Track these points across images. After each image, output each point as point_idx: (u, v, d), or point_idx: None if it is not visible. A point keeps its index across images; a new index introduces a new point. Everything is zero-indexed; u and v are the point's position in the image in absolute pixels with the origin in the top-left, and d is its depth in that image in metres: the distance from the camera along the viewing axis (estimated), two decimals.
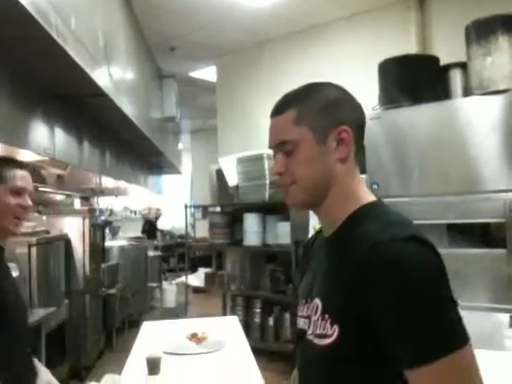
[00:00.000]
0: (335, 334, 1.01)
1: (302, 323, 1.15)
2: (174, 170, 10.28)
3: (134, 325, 6.04)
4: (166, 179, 12.23)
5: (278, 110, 1.12)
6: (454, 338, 0.93)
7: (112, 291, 5.72)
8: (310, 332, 1.10)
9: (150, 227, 10.63)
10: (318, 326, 1.07)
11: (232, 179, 5.39)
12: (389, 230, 1.00)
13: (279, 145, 1.12)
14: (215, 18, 5.35)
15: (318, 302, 1.09)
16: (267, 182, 4.98)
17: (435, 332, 0.92)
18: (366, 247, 0.97)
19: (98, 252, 5.38)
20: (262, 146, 5.33)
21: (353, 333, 0.99)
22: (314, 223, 4.36)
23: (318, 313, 1.08)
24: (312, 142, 1.08)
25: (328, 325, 1.03)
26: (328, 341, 1.03)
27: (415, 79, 3.77)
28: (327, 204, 1.11)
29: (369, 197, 1.13)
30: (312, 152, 1.08)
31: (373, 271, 0.95)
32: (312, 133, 1.08)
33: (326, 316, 1.04)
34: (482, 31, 3.42)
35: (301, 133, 1.09)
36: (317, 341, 1.06)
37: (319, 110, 1.10)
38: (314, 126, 1.08)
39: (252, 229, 5.15)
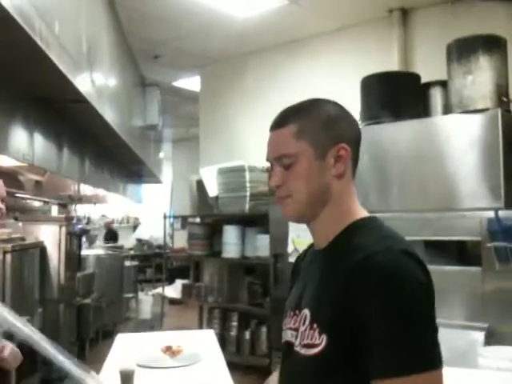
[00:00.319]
0: (323, 344, 1.01)
1: (289, 335, 1.15)
2: (154, 179, 10.22)
3: (108, 336, 5.96)
4: (146, 188, 12.16)
5: (279, 123, 1.15)
6: (428, 359, 0.94)
7: (87, 301, 5.64)
8: (297, 343, 1.10)
9: (111, 236, 10.55)
10: (305, 337, 1.07)
11: (212, 190, 5.37)
12: (383, 243, 1.03)
13: (278, 158, 1.13)
14: (201, 27, 5.35)
15: (306, 312, 1.09)
16: (247, 193, 4.97)
17: (410, 348, 0.93)
18: (359, 258, 0.99)
19: (73, 260, 5.30)
20: (243, 158, 5.33)
21: (341, 342, 1.00)
22: (293, 236, 4.36)
23: (307, 323, 1.08)
24: (311, 157, 1.10)
25: (316, 334, 1.03)
26: (315, 350, 1.03)
27: (397, 96, 3.80)
28: (322, 219, 1.14)
29: (363, 212, 1.15)
30: (310, 167, 1.10)
31: (365, 280, 0.97)
32: (312, 148, 1.10)
33: (315, 325, 1.05)
34: (463, 50, 3.47)
35: (301, 147, 1.11)
36: (304, 351, 1.06)
37: (320, 126, 1.12)
38: (315, 142, 1.11)
39: (231, 240, 5.13)
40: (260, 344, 5.00)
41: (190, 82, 7.36)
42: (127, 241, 11.34)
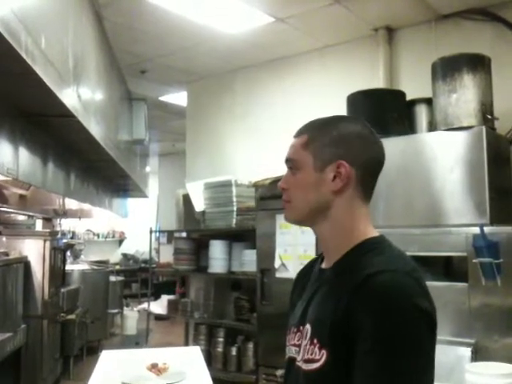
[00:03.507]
0: (323, 359, 1.02)
1: (292, 352, 1.16)
2: (140, 193, 10.16)
3: (92, 352, 5.89)
4: (132, 202, 12.09)
5: (297, 132, 1.22)
6: None
7: (71, 317, 5.57)
8: (299, 359, 1.11)
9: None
10: (306, 351, 1.08)
11: (199, 205, 5.36)
12: (388, 263, 1.04)
13: (287, 161, 1.21)
14: (188, 43, 5.37)
15: (308, 327, 1.11)
16: (234, 208, 4.96)
17: (392, 373, 0.92)
18: (364, 275, 1.01)
19: (58, 276, 5.25)
20: (229, 173, 5.33)
21: (340, 357, 1.00)
22: (280, 251, 4.36)
23: (307, 338, 1.09)
24: (311, 167, 1.15)
25: (316, 349, 1.05)
26: (316, 365, 1.04)
27: (382, 113, 3.84)
28: (325, 234, 1.18)
29: (371, 232, 1.16)
30: (309, 176, 1.15)
31: (364, 297, 0.98)
32: (314, 159, 1.15)
33: (315, 340, 1.06)
34: (448, 69, 3.51)
35: (304, 156, 1.16)
36: (305, 366, 1.07)
37: (327, 141, 1.16)
38: (318, 154, 1.15)
39: (218, 256, 5.12)
40: (247, 360, 4.96)
41: (177, 97, 7.37)
42: (112, 255, 11.25)
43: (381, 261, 1.05)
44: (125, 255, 11.46)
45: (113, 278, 7.87)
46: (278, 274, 4.41)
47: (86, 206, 7.42)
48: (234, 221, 4.96)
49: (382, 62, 4.74)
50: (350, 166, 1.13)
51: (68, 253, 6.90)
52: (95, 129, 4.83)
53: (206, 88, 6.43)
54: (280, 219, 4.32)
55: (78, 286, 6.17)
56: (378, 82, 4.64)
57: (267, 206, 4.50)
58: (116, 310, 7.77)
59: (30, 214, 6.54)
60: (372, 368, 0.93)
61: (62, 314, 5.35)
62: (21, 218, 6.54)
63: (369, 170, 1.18)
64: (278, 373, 4.18)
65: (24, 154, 4.14)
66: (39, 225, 6.98)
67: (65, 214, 6.88)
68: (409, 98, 3.96)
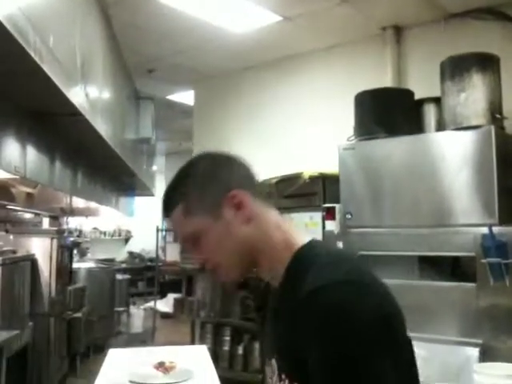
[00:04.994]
0: None
1: None
2: (146, 191, 10.18)
3: (99, 350, 5.90)
4: (139, 201, 12.11)
5: (165, 211, 1.10)
6: None
7: (78, 315, 5.59)
8: None
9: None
10: None
11: None
12: (323, 274, 0.92)
13: (184, 241, 1.10)
14: (196, 42, 5.37)
15: (274, 361, 1.03)
16: None
17: None
18: (299, 299, 0.91)
19: (64, 274, 5.26)
20: None
21: None
22: None
23: (275, 374, 1.02)
24: (209, 223, 1.05)
25: None
26: None
27: (390, 112, 3.83)
28: (263, 264, 1.08)
29: (297, 239, 1.06)
30: (215, 233, 1.05)
31: (305, 319, 0.88)
32: (205, 216, 1.05)
33: (283, 376, 0.98)
34: (457, 68, 3.50)
35: (194, 223, 1.05)
36: None
37: (199, 191, 1.06)
38: (203, 209, 1.05)
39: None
40: (253, 359, 4.95)
41: (185, 96, 7.37)
42: (119, 254, 11.28)
43: (317, 273, 0.93)
44: (131, 254, 11.48)
45: (119, 277, 7.88)
46: None
47: (93, 205, 7.44)
48: None
49: (390, 62, 4.72)
50: (238, 189, 1.05)
51: (75, 251, 6.93)
52: (102, 127, 4.84)
53: (213, 87, 6.43)
54: (286, 218, 4.31)
55: (85, 284, 6.18)
56: (385, 81, 4.62)
57: (273, 205, 4.50)
58: (122, 308, 7.78)
59: (37, 212, 6.56)
60: None
61: (69, 312, 5.36)
62: (28, 216, 6.56)
63: (252, 182, 1.11)
64: None
65: (31, 152, 4.15)
66: (46, 223, 7.00)
67: (72, 212, 6.89)
68: (417, 97, 3.95)
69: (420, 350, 2.80)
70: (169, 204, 1.10)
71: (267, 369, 1.09)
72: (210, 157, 1.14)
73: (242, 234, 1.04)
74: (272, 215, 1.10)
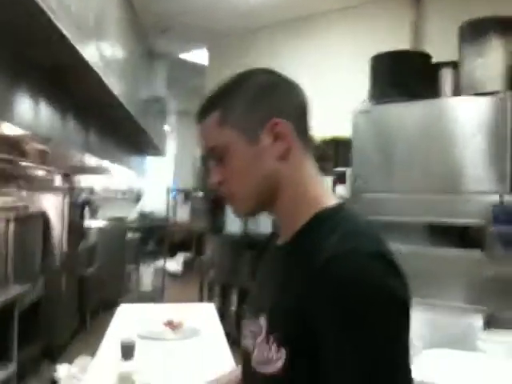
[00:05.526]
0: (281, 360, 0.86)
1: (247, 344, 0.99)
2: (158, 151, 10.20)
3: (108, 307, 6.00)
4: (150, 161, 12.13)
5: (201, 114, 0.99)
6: None
7: (89, 271, 5.67)
8: (253, 357, 0.94)
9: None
10: (262, 351, 0.91)
11: None
12: (348, 242, 0.85)
13: (209, 153, 0.99)
14: (209, 1, 5.28)
15: (263, 320, 0.93)
16: None
17: (367, 366, 0.78)
18: (321, 260, 0.83)
19: (76, 231, 5.32)
20: None
21: (302, 358, 0.85)
22: None
23: (263, 334, 0.92)
24: (242, 143, 0.94)
25: (274, 348, 0.88)
26: (273, 368, 0.88)
27: (406, 75, 3.76)
28: (279, 207, 0.98)
29: (328, 199, 0.97)
30: (244, 156, 0.95)
31: (324, 290, 0.81)
32: (241, 133, 0.94)
33: (272, 338, 0.89)
34: (476, 31, 3.42)
35: (227, 135, 0.95)
36: (260, 368, 0.91)
37: (246, 105, 0.96)
38: (242, 125, 0.95)
39: (233, 216, 5.13)
40: None
41: (198, 55, 7.30)
42: (129, 213, 11.37)
43: (342, 239, 0.85)
44: (141, 213, 11.56)
45: (130, 235, 7.96)
46: None
47: (105, 163, 7.47)
48: None
49: (408, 23, 4.63)
50: (286, 120, 0.94)
51: (86, 209, 6.99)
52: (114, 84, 4.82)
53: (226, 47, 6.35)
54: None
55: (96, 242, 6.26)
56: (403, 43, 4.52)
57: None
58: (132, 267, 7.90)
59: (49, 169, 6.61)
60: (343, 365, 0.79)
61: (80, 269, 5.45)
62: (40, 173, 6.61)
63: (301, 118, 0.99)
64: None
65: (44, 108, 4.16)
66: (58, 180, 7.05)
67: (84, 170, 6.93)
68: (434, 60, 3.87)
69: (426, 315, 2.83)
70: (207, 107, 0.99)
71: (248, 323, 1.01)
72: (268, 73, 1.01)
73: (271, 167, 0.94)
74: (310, 163, 0.99)
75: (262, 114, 0.95)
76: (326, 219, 0.92)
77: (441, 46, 4.14)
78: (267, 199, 0.97)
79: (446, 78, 3.72)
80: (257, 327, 0.95)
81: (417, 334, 2.35)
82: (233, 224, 5.14)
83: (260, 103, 0.96)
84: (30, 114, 3.86)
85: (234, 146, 0.95)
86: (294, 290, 0.88)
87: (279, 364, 0.86)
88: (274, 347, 0.88)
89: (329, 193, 1.00)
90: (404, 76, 3.75)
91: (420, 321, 2.77)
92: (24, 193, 4.84)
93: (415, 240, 3.42)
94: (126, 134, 7.90)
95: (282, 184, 0.95)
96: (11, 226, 3.99)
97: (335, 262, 0.81)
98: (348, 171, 3.83)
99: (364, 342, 0.78)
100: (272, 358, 0.88)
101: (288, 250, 0.97)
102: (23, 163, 5.47)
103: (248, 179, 0.96)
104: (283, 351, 0.86)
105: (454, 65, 3.67)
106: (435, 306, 3.12)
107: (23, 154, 5.23)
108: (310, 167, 0.99)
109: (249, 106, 0.96)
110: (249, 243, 5.41)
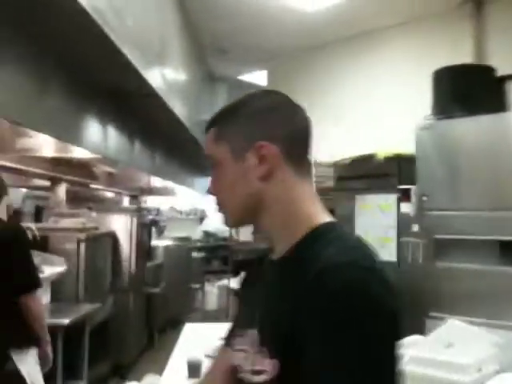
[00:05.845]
0: (273, 370, 0.89)
1: (237, 359, 1.01)
2: None
3: (175, 325, 6.10)
4: None
5: (206, 127, 1.07)
6: None
7: (155, 290, 5.79)
8: (245, 368, 0.97)
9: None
10: (254, 361, 0.94)
11: None
12: (346, 255, 0.87)
13: (208, 160, 1.06)
14: (267, 21, 5.35)
15: (255, 332, 0.97)
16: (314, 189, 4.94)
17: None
18: (315, 271, 0.85)
19: (143, 250, 5.46)
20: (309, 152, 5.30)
21: (293, 368, 0.85)
22: (360, 233, 4.28)
23: (256, 345, 0.95)
24: (231, 160, 1.00)
25: (264, 358, 0.91)
26: (265, 377, 0.90)
27: (470, 90, 3.67)
28: (268, 223, 1.02)
29: (322, 217, 1.00)
30: (232, 172, 1.00)
31: (317, 298, 0.82)
32: (230, 150, 1.00)
33: (265, 348, 0.92)
34: None
35: (220, 151, 1.01)
36: (252, 378, 0.93)
37: (238, 125, 1.02)
38: (232, 142, 1.00)
39: None
40: None
41: (257, 77, 7.39)
42: (194, 233, 11.55)
43: (335, 253, 0.87)
44: (206, 232, 11.71)
45: (194, 254, 8.08)
46: None
47: (170, 184, 7.65)
48: None
49: (470, 37, 4.52)
50: (272, 144, 0.98)
51: (153, 229, 7.17)
52: (178, 108, 4.96)
53: (285, 66, 6.40)
54: (359, 200, 4.25)
55: (162, 261, 6.39)
56: (465, 57, 4.42)
57: (346, 187, 4.44)
58: (197, 285, 8.00)
59: (118, 190, 6.83)
60: (329, 378, 0.79)
61: (147, 288, 5.58)
62: (109, 194, 6.84)
63: (295, 143, 1.02)
64: None
65: (112, 132, 4.32)
66: (126, 202, 7.27)
67: (150, 191, 7.13)
68: (500, 73, 3.76)
69: (497, 336, 2.71)
70: (210, 122, 1.06)
71: (237, 339, 1.03)
72: (271, 96, 1.08)
73: (255, 186, 0.99)
74: (302, 185, 1.02)
75: (251, 136, 0.99)
76: (322, 235, 0.95)
77: (505, 59, 4.03)
78: (252, 215, 1.02)
79: None
80: (249, 341, 0.97)
81: (489, 357, 2.27)
82: None
83: (251, 125, 1.01)
84: (99, 138, 4.02)
85: (225, 162, 1.01)
86: (287, 301, 0.89)
87: (271, 373, 0.89)
88: (265, 359, 0.90)
89: (323, 212, 1.02)
90: (468, 90, 3.66)
91: (491, 342, 2.66)
92: (94, 214, 5.03)
93: (486, 259, 3.30)
94: (190, 156, 8.07)
95: (266, 202, 0.99)
96: (82, 247, 4.15)
97: (329, 272, 0.83)
98: (413, 189, 3.75)
99: (350, 352, 0.79)
100: (264, 367, 0.90)
101: (283, 264, 0.99)
102: (93, 185, 5.70)
103: (234, 194, 1.01)
104: (275, 363, 0.88)
105: None
106: (507, 328, 2.99)
107: (93, 177, 5.45)
108: (303, 188, 1.01)
109: (241, 126, 1.01)
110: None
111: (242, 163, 0.99)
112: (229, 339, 1.10)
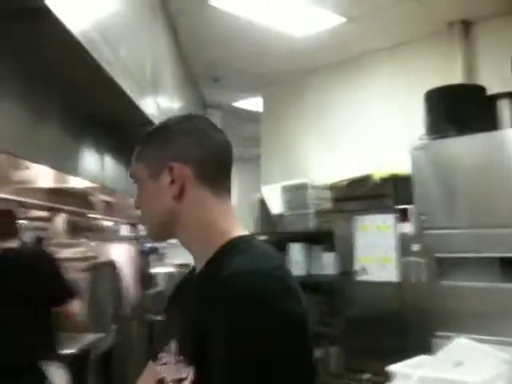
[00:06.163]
0: (190, 377, 0.92)
1: (162, 371, 1.05)
2: None
3: None
4: None
5: (136, 146, 1.15)
6: None
7: (158, 317, 5.74)
8: (168, 379, 1.00)
9: None
10: (174, 370, 0.98)
11: (275, 208, 5.39)
12: (248, 263, 0.93)
13: (131, 177, 1.15)
14: (259, 48, 5.41)
15: (173, 344, 1.02)
16: (311, 211, 4.96)
17: None
18: (218, 280, 0.90)
19: (144, 278, 5.43)
20: (305, 176, 5.32)
21: (206, 375, 0.88)
22: (359, 254, 4.29)
23: (174, 355, 1.00)
24: (148, 179, 1.08)
25: (183, 367, 0.95)
26: None
27: (462, 109, 3.73)
28: (186, 242, 1.09)
29: (236, 231, 1.07)
30: (148, 188, 1.08)
31: (218, 305, 0.87)
32: (147, 169, 1.08)
33: (181, 357, 0.97)
34: None
35: (139, 169, 1.10)
36: None
37: (155, 146, 1.09)
38: (149, 162, 1.08)
39: (296, 258, 5.12)
40: (332, 364, 4.89)
41: (251, 103, 7.44)
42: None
43: (240, 262, 0.93)
44: None
45: None
46: (358, 277, 4.34)
47: None
48: (312, 223, 4.94)
49: (459, 58, 4.58)
50: (184, 165, 1.04)
51: (152, 256, 7.14)
52: None
53: (279, 92, 6.46)
54: (357, 221, 4.27)
55: (164, 288, 6.35)
56: (455, 78, 4.49)
57: (344, 208, 4.46)
58: None
59: (116, 219, 6.82)
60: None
61: (150, 315, 5.53)
62: (107, 223, 6.82)
63: (207, 165, 1.07)
64: (364, 377, 4.12)
65: (108, 161, 4.34)
66: (124, 230, 7.24)
67: None
68: (490, 93, 3.82)
69: (505, 354, 2.70)
70: (139, 142, 1.14)
71: (160, 355, 1.08)
72: (192, 121, 1.15)
73: (168, 205, 1.06)
74: (218, 203, 1.08)
75: (165, 157, 1.06)
76: (233, 247, 1.01)
77: (495, 78, 4.09)
78: (170, 230, 1.09)
79: (503, 109, 3.66)
80: (171, 351, 1.02)
81: (499, 374, 2.26)
82: (296, 266, 5.11)
83: (167, 147, 1.07)
84: (95, 168, 4.03)
85: (143, 179, 1.09)
86: (197, 309, 0.95)
87: (188, 380, 0.92)
88: (183, 366, 0.94)
89: (239, 228, 1.08)
90: (460, 109, 3.72)
91: (500, 360, 2.65)
92: (93, 243, 5.01)
93: (487, 277, 3.30)
94: None
95: (182, 219, 1.06)
96: (83, 276, 4.13)
97: (234, 278, 0.88)
98: (410, 208, 3.77)
99: (247, 357, 0.81)
100: (181, 375, 0.94)
101: (198, 277, 1.06)
102: (91, 215, 5.68)
103: (152, 211, 1.09)
104: (191, 369, 0.92)
105: (511, 96, 3.61)
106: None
107: (90, 206, 5.45)
108: (219, 206, 1.07)
109: (159, 147, 1.08)
110: (314, 285, 5.35)
111: (157, 182, 1.06)
112: (155, 354, 1.13)
